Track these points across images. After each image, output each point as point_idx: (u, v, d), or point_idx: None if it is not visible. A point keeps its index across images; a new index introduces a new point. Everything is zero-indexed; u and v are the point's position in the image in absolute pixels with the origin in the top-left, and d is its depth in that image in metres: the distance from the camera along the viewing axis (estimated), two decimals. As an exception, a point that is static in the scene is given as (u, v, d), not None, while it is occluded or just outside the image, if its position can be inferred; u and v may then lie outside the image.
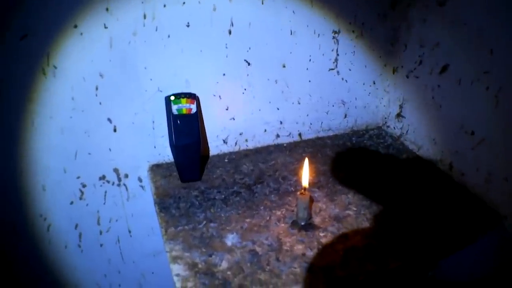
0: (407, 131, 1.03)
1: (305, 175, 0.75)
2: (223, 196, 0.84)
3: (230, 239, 0.74)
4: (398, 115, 1.05)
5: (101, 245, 1.00)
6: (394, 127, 1.07)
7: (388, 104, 1.07)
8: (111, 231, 0.99)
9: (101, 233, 0.99)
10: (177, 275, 0.67)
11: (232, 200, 0.83)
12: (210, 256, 0.70)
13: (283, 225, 0.77)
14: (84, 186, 0.92)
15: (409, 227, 0.77)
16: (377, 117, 1.10)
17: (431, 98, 0.93)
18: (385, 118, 1.09)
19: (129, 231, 1.01)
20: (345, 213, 0.80)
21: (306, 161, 0.76)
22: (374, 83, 1.05)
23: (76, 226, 0.96)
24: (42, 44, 0.77)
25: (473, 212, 0.82)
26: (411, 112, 1.01)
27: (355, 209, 0.81)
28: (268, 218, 0.79)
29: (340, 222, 0.78)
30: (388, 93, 1.06)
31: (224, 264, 0.69)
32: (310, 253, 0.71)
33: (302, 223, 0.76)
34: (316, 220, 0.78)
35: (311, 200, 0.82)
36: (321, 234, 0.75)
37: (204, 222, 0.78)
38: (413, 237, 0.75)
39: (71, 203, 0.93)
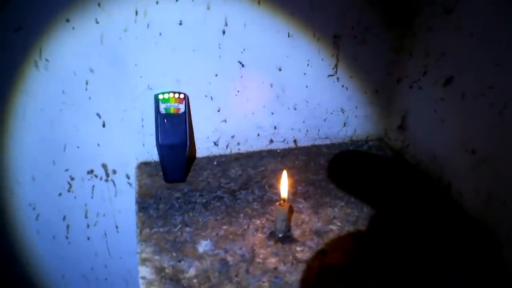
0: (408, 145, 0.98)
1: (284, 186, 0.72)
2: (204, 200, 0.82)
3: (203, 246, 0.72)
4: (400, 127, 1.00)
5: (88, 238, 1.00)
6: (395, 139, 1.02)
7: (390, 115, 1.03)
8: (99, 225, 0.99)
9: (88, 226, 0.99)
10: (143, 277, 0.66)
11: (213, 205, 0.81)
12: (179, 261, 0.68)
13: (260, 235, 0.74)
14: (72, 179, 0.92)
15: (395, 248, 0.73)
16: (378, 128, 1.05)
17: (433, 111, 0.88)
18: (386, 129, 1.05)
19: (116, 227, 1.00)
20: (327, 227, 0.77)
21: (285, 173, 0.73)
22: (377, 92, 1.00)
23: (64, 217, 0.96)
24: (35, 37, 0.77)
25: (468, 236, 0.77)
26: (413, 125, 0.96)
27: (339, 224, 0.78)
28: (246, 226, 0.76)
29: (320, 237, 0.75)
30: (390, 104, 1.02)
31: (192, 271, 0.67)
32: (283, 268, 0.68)
33: (280, 235, 0.74)
34: (296, 233, 0.75)
35: (291, 211, 0.79)
36: (298, 249, 0.72)
37: (180, 225, 0.76)
38: (397, 259, 0.70)
39: (60, 194, 0.93)
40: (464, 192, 0.83)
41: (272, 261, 0.69)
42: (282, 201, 0.72)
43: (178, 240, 0.73)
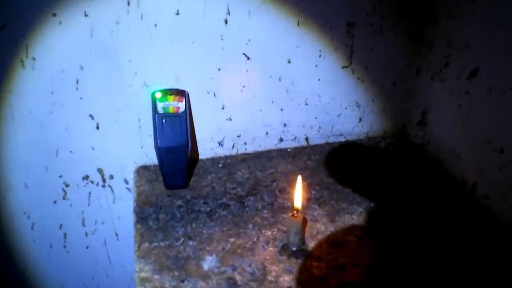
0: (428, 141, 0.90)
1: (298, 195, 0.64)
2: (209, 208, 0.75)
3: (208, 262, 0.65)
4: (420, 123, 0.92)
5: (87, 247, 0.94)
6: (415, 136, 0.94)
7: (409, 109, 0.94)
8: (97, 233, 0.93)
9: (86, 234, 0.92)
10: (143, 301, 0.59)
11: (218, 214, 0.74)
12: (182, 281, 0.61)
13: (271, 248, 0.67)
14: (67, 185, 0.85)
15: (419, 259, 0.65)
16: (396, 123, 0.97)
17: (457, 106, 0.80)
18: (405, 125, 0.96)
19: (116, 234, 0.94)
20: (346, 238, 0.70)
21: (299, 179, 0.65)
22: (394, 85, 0.91)
23: (61, 226, 0.90)
24: (20, 35, 0.71)
25: (496, 242, 0.70)
26: (435, 120, 0.88)
27: (358, 233, 0.70)
28: (255, 239, 0.69)
29: (338, 249, 0.67)
30: (410, 97, 0.93)
31: (196, 293, 0.60)
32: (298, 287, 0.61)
33: (294, 249, 0.66)
34: (311, 245, 0.68)
35: (305, 222, 0.71)
36: (314, 264, 0.64)
37: (182, 239, 0.69)
38: (422, 273, 0.63)
39: (55, 202, 0.87)
40: (491, 195, 0.75)
41: (286, 279, 0.62)
42: (295, 212, 0.64)
43: (180, 256, 0.66)
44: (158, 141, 0.75)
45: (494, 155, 0.73)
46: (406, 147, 0.94)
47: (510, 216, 0.71)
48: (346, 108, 0.92)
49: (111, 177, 0.86)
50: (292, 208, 0.66)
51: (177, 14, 0.74)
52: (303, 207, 0.75)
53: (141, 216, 0.74)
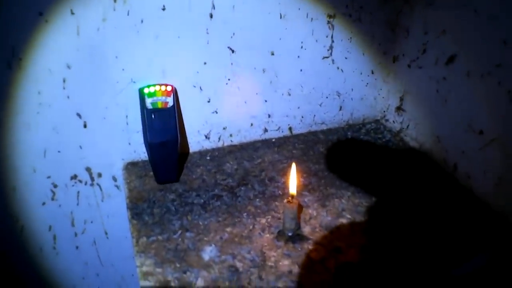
0: (407, 126, 0.94)
1: (293, 181, 0.66)
2: (202, 200, 0.77)
3: (208, 253, 0.66)
4: (398, 108, 0.96)
5: (76, 247, 0.93)
6: (393, 121, 0.98)
7: (387, 95, 0.98)
8: (87, 233, 0.92)
9: (76, 235, 0.92)
10: (147, 294, 0.60)
11: (212, 205, 0.75)
12: (185, 272, 0.63)
13: (268, 235, 0.69)
14: (55, 186, 0.84)
15: (409, 238, 0.69)
16: (375, 109, 1.01)
17: (435, 91, 0.84)
18: (384, 111, 1.00)
19: (106, 233, 0.93)
20: (338, 221, 0.72)
21: (294, 166, 0.67)
22: (373, 73, 0.95)
23: (50, 227, 0.89)
24: (6, 35, 0.69)
25: (480, 220, 0.74)
26: (413, 105, 0.92)
27: (349, 216, 0.73)
28: (251, 227, 0.71)
29: (332, 232, 0.70)
30: (387, 84, 0.97)
31: (200, 283, 0.61)
32: (298, 271, 0.63)
33: (290, 234, 0.69)
34: (306, 230, 0.70)
35: (300, 208, 0.74)
36: (311, 248, 0.67)
37: (180, 231, 0.70)
38: (413, 251, 0.67)
39: (43, 204, 0.86)
40: (473, 175, 0.80)
41: (285, 263, 0.64)
42: (290, 198, 0.67)
43: (179, 248, 0.67)
44: (148, 137, 0.76)
45: (474, 136, 0.77)
46: (386, 132, 0.98)
47: (492, 193, 0.76)
48: (327, 97, 0.95)
49: (99, 175, 0.86)
50: (288, 194, 0.68)
51: (163, 9, 0.74)
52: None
53: (135, 212, 0.74)
